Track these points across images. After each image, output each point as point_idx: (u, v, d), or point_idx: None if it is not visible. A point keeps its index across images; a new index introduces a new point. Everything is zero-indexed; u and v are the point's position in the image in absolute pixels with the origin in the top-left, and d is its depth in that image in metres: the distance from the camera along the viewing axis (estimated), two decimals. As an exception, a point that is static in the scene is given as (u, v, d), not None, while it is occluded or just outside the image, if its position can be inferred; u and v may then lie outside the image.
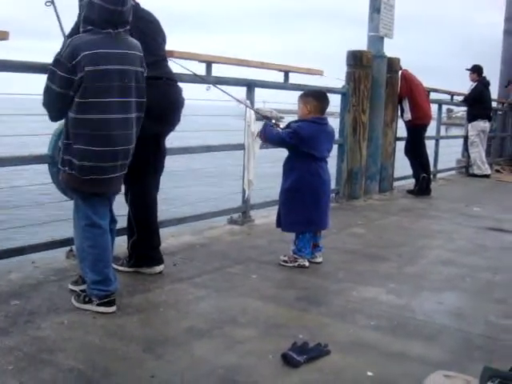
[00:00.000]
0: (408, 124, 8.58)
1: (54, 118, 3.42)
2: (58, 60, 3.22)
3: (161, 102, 3.83)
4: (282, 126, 4.61)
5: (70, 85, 3.20)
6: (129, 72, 3.35)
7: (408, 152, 8.69)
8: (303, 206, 4.49)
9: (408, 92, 8.42)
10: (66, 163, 3.33)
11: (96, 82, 3.21)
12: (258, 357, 2.90)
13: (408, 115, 8.45)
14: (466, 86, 11.18)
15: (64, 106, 3.28)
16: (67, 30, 3.52)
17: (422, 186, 8.51)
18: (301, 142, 4.42)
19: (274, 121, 4.76)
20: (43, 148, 3.99)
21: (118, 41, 3.32)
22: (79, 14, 3.43)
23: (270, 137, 4.61)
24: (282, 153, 4.66)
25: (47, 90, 3.27)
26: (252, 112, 5.25)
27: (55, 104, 3.31)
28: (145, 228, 4.09)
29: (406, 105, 8.43)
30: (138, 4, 3.97)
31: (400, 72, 8.49)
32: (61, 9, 3.38)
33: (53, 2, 3.36)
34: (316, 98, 4.55)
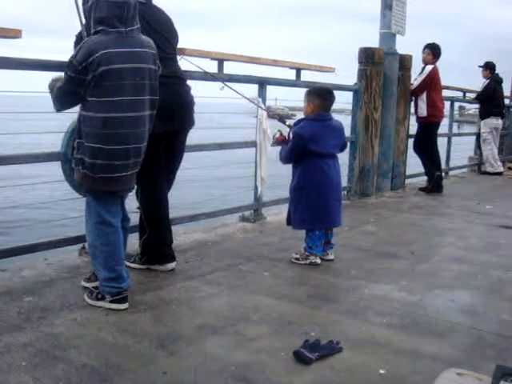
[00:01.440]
0: (421, 120, 8.52)
1: (58, 110, 3.45)
2: (70, 62, 3.27)
3: (169, 100, 3.82)
4: (288, 123, 4.63)
5: (78, 84, 3.25)
6: (141, 70, 3.36)
7: (418, 149, 8.62)
8: (309, 203, 4.49)
9: (429, 88, 8.34)
10: (79, 162, 3.36)
11: (109, 81, 3.23)
12: (270, 354, 2.90)
13: (424, 111, 8.39)
14: (474, 81, 11.14)
15: (70, 101, 3.39)
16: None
17: (436, 184, 8.47)
18: (305, 142, 4.42)
19: (288, 122, 4.75)
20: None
21: (129, 39, 3.33)
22: (86, 17, 3.45)
23: (284, 157, 4.61)
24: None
25: (59, 87, 3.35)
26: (264, 109, 5.26)
27: (62, 98, 3.38)
28: (156, 226, 4.10)
29: (424, 101, 8.36)
30: (149, 1, 3.98)
31: (431, 67, 8.40)
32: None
33: None
34: (318, 95, 4.54)
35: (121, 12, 3.29)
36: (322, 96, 4.54)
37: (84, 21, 3.49)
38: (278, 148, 4.84)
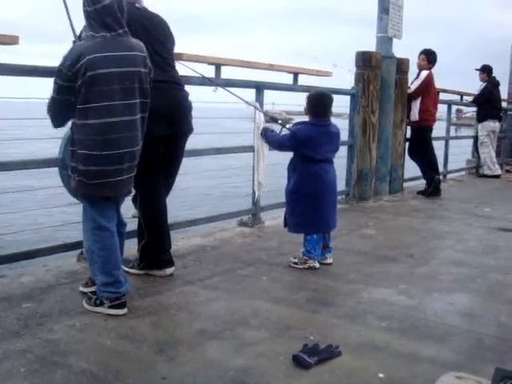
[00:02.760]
0: (414, 124, 8.53)
1: (56, 125, 3.45)
2: (59, 70, 3.28)
3: (167, 105, 3.82)
4: (288, 127, 4.63)
5: (70, 92, 3.26)
6: (130, 73, 3.36)
7: (413, 153, 8.63)
8: (304, 207, 4.50)
9: (424, 93, 8.37)
10: (74, 169, 3.36)
11: (97, 87, 3.23)
12: (269, 358, 2.90)
13: (416, 115, 8.41)
14: (472, 84, 11.17)
15: (66, 112, 3.37)
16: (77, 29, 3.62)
17: (435, 187, 8.47)
18: (299, 144, 4.43)
19: (280, 121, 4.76)
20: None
21: (116, 43, 3.33)
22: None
23: (269, 141, 4.65)
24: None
25: (51, 99, 3.35)
26: (261, 113, 5.26)
27: (58, 111, 3.38)
28: (155, 231, 4.10)
29: (417, 105, 8.38)
30: (145, 8, 3.98)
31: (427, 72, 8.43)
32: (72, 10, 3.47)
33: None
34: (308, 100, 4.55)
35: (102, 17, 3.30)
36: (310, 101, 4.55)
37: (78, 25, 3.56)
38: (277, 154, 4.85)
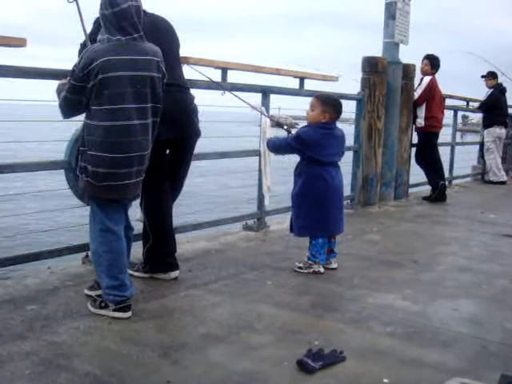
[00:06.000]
0: (420, 130, 8.53)
1: (65, 118, 3.47)
2: (73, 71, 3.31)
3: (172, 108, 3.82)
4: (293, 132, 4.63)
5: (81, 92, 3.28)
6: (143, 78, 3.37)
7: (420, 160, 8.63)
8: (310, 211, 4.50)
9: (428, 99, 8.36)
10: (83, 170, 3.37)
11: (109, 89, 3.24)
12: (273, 363, 2.90)
13: (422, 121, 8.40)
14: (478, 91, 11.17)
15: (76, 110, 3.41)
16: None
17: (440, 193, 8.47)
18: (304, 147, 4.43)
19: (285, 127, 4.76)
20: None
21: (130, 47, 3.34)
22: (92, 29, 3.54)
23: (273, 144, 4.64)
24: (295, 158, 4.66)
25: (63, 96, 3.36)
26: (267, 118, 5.25)
27: (68, 108, 3.40)
28: (160, 234, 4.10)
29: (422, 111, 8.38)
30: (152, 14, 3.98)
31: (429, 78, 8.44)
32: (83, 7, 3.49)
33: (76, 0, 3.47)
34: (334, 107, 4.50)
35: (118, 21, 3.31)
36: (336, 109, 4.52)
37: (87, 29, 3.59)
38: (282, 157, 4.86)
